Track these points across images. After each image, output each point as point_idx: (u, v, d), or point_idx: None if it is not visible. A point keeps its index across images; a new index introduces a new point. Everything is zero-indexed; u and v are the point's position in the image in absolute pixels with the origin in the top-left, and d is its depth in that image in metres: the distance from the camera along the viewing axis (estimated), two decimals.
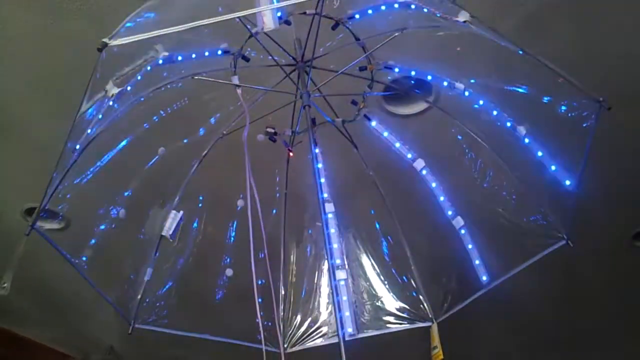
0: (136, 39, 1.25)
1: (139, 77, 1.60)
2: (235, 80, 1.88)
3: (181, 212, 2.05)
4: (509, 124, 1.93)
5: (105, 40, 1.27)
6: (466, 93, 1.97)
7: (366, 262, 2.41)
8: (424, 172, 2.19)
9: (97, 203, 2.03)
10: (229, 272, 2.24)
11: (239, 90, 1.87)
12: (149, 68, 1.63)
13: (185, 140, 2.16)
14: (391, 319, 2.36)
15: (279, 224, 2.36)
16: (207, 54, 1.85)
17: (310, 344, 2.34)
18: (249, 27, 1.78)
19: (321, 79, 2.01)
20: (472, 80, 1.98)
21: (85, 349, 4.58)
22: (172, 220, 2.04)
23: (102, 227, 2.02)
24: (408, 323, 2.36)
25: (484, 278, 2.13)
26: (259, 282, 1.73)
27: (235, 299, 2.18)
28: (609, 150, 2.75)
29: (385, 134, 2.21)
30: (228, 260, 2.28)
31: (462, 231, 2.16)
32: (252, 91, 2.00)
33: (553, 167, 1.86)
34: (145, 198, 2.07)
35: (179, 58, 1.77)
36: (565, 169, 1.83)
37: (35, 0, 2.18)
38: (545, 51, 1.62)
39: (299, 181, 2.27)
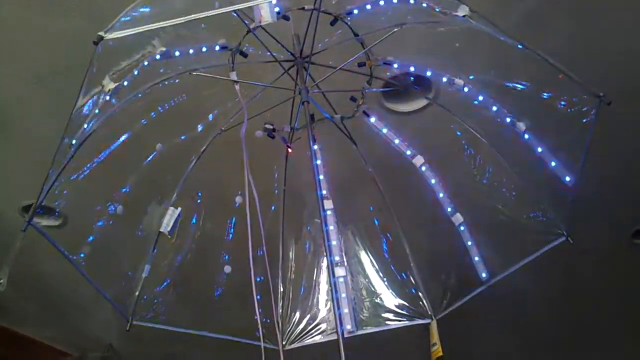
0: (132, 32, 1.24)
1: (136, 72, 1.59)
2: (234, 76, 1.87)
3: (179, 208, 2.04)
4: (508, 120, 1.92)
5: (101, 33, 1.26)
6: (465, 89, 1.97)
7: (365, 258, 2.41)
8: (423, 168, 2.18)
9: (95, 199, 2.03)
10: (228, 268, 2.23)
11: (237, 86, 1.86)
12: (146, 63, 1.62)
13: (183, 137, 2.15)
14: (390, 315, 2.35)
15: (278, 220, 2.36)
16: (204, 49, 1.84)
17: (309, 341, 2.33)
18: (246, 22, 1.76)
19: (320, 75, 2.00)
20: (472, 76, 1.97)
21: (84, 347, 4.57)
22: (170, 217, 2.03)
23: (100, 223, 2.02)
24: (407, 320, 2.35)
25: (484, 275, 2.12)
26: (258, 279, 1.73)
27: (233, 296, 2.18)
28: (608, 147, 2.74)
29: (385, 130, 2.20)
30: (226, 257, 2.27)
31: (462, 228, 2.16)
32: (251, 87, 1.99)
33: (553, 163, 1.86)
34: (143, 194, 2.06)
35: (177, 53, 1.76)
36: (565, 165, 1.82)
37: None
38: (546, 47, 1.62)
39: (298, 178, 2.26)
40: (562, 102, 1.79)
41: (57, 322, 4.28)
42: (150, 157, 2.06)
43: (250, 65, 1.93)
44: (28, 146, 2.81)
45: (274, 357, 2.17)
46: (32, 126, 2.71)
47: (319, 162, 1.93)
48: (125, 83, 1.57)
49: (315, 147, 1.87)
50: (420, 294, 2.38)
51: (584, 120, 1.67)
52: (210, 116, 2.12)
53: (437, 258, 2.45)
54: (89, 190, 1.84)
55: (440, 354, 2.23)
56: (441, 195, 2.18)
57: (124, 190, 2.06)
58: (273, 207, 2.34)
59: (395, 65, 2.07)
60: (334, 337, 1.41)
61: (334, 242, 2.08)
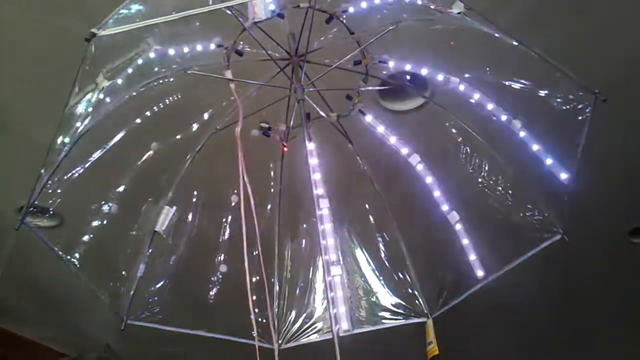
0: (125, 29, 1.23)
1: (130, 71, 1.59)
2: (229, 74, 1.87)
3: (174, 207, 2.03)
4: (504, 118, 1.92)
5: (94, 30, 1.25)
6: (461, 87, 1.96)
7: (361, 257, 2.41)
8: (419, 167, 2.18)
9: (90, 199, 2.02)
10: (223, 268, 2.23)
11: (232, 85, 1.85)
12: (140, 61, 1.62)
13: (178, 136, 2.14)
14: (386, 314, 2.35)
15: (274, 219, 2.35)
16: (199, 48, 1.83)
17: (305, 340, 2.33)
18: (241, 20, 1.76)
19: (315, 73, 1.99)
20: (467, 75, 1.97)
21: (82, 347, 4.56)
22: (165, 216, 2.02)
23: (95, 223, 2.01)
24: (403, 319, 2.35)
25: (480, 273, 2.12)
26: (254, 278, 1.72)
27: (229, 295, 2.17)
28: (605, 144, 2.74)
29: (381, 128, 2.19)
30: (222, 256, 2.27)
31: (458, 226, 2.15)
32: (246, 86, 1.99)
33: (549, 161, 1.85)
34: (138, 194, 2.06)
35: (171, 52, 1.75)
36: (561, 163, 1.82)
37: None
38: (542, 45, 1.62)
39: (294, 177, 2.26)
40: (558, 100, 1.79)
41: (54, 322, 4.27)
42: (146, 156, 2.06)
43: (246, 63, 1.93)
44: (27, 146, 2.80)
45: (272, 356, 2.17)
46: (31, 126, 2.70)
47: (314, 160, 1.93)
48: (120, 81, 1.56)
49: (311, 145, 1.86)
50: (416, 292, 2.37)
51: (580, 118, 1.67)
52: (206, 115, 2.12)
53: (433, 256, 2.45)
54: (84, 189, 1.83)
55: (436, 352, 2.23)
56: (437, 193, 2.18)
57: (119, 189, 2.05)
58: (269, 206, 2.33)
59: (391, 64, 2.07)
60: (330, 336, 1.41)
61: (330, 241, 2.07)
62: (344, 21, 1.88)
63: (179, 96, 2.05)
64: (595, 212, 3.20)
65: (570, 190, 1.82)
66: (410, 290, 2.38)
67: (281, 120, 2.07)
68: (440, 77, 2.01)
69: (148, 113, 1.98)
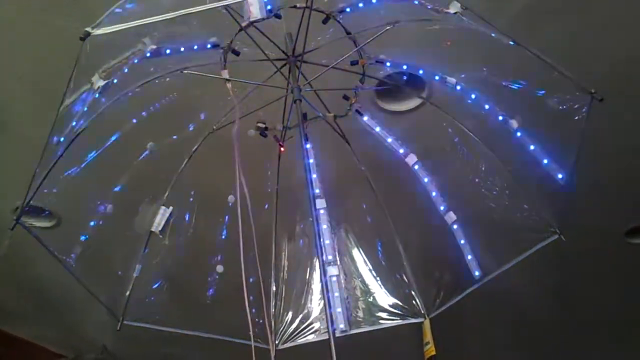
0: (120, 28, 1.23)
1: (126, 70, 1.58)
2: (225, 74, 1.86)
3: (171, 207, 2.03)
4: (501, 118, 1.92)
5: (88, 29, 1.25)
6: (458, 87, 1.96)
7: (358, 258, 2.40)
8: (416, 167, 2.18)
9: (86, 199, 2.02)
10: (220, 268, 2.22)
11: (229, 85, 1.85)
12: (136, 61, 1.61)
13: (174, 136, 2.14)
14: (384, 315, 2.35)
15: (271, 219, 2.35)
16: (196, 47, 1.83)
17: (301, 340, 2.33)
18: (238, 20, 1.76)
19: (312, 73, 1.99)
20: (464, 75, 1.97)
21: (79, 348, 4.55)
22: (161, 216, 2.02)
23: (91, 223, 2.00)
24: (400, 319, 2.35)
25: (477, 273, 2.12)
26: (250, 279, 1.72)
27: (226, 296, 2.17)
28: (602, 144, 2.74)
29: (378, 129, 2.20)
30: (219, 256, 2.26)
31: (455, 226, 2.16)
32: (243, 86, 1.98)
33: (545, 161, 1.85)
34: (134, 194, 2.05)
35: (167, 51, 1.75)
36: (557, 163, 1.82)
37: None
38: (539, 45, 1.61)
39: (291, 177, 2.25)
40: (555, 100, 1.79)
41: (51, 323, 4.26)
42: (142, 156, 2.05)
43: (242, 63, 1.92)
44: (25, 146, 2.79)
45: (269, 356, 2.17)
46: (28, 126, 2.69)
47: (311, 160, 1.93)
48: (115, 81, 1.56)
49: (308, 145, 1.86)
50: (413, 292, 2.37)
51: (577, 118, 1.67)
52: (202, 115, 2.11)
53: (430, 257, 2.45)
54: (80, 190, 1.83)
55: (433, 352, 2.23)
56: (434, 193, 2.18)
57: (115, 189, 2.05)
58: (266, 206, 2.33)
59: (388, 64, 2.07)
60: (327, 336, 1.41)
61: (326, 241, 2.07)
62: (341, 21, 1.88)
63: (175, 96, 2.05)
64: (592, 212, 3.20)
65: (567, 190, 1.82)
66: (407, 291, 2.38)
67: (278, 120, 2.06)
68: (437, 77, 2.01)
69: (144, 113, 1.98)
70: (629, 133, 2.88)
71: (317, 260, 2.31)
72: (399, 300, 2.37)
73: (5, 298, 3.88)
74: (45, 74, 2.46)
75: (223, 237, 2.25)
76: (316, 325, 2.32)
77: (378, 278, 2.39)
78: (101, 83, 1.48)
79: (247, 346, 1.80)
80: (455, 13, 1.50)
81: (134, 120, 1.96)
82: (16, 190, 2.98)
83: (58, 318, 4.17)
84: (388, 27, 1.89)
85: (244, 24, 1.76)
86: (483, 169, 2.14)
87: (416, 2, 1.69)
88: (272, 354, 2.18)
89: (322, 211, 2.02)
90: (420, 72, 2.08)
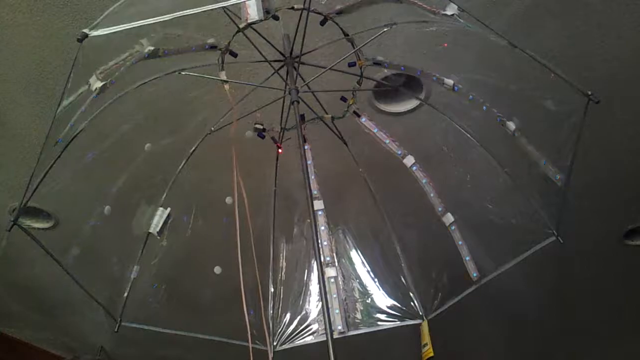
0: (117, 30, 1.23)
1: (123, 72, 1.58)
2: (223, 76, 1.87)
3: (169, 209, 2.02)
4: (498, 120, 1.92)
5: (86, 30, 1.25)
6: (455, 89, 1.97)
7: (356, 259, 2.40)
8: (414, 168, 2.18)
9: (84, 200, 2.01)
10: (218, 270, 2.22)
11: (226, 86, 1.85)
12: (133, 62, 1.61)
13: (172, 138, 2.14)
14: (382, 316, 2.34)
15: (268, 221, 2.35)
16: (193, 49, 1.83)
17: (300, 342, 2.32)
18: (236, 22, 1.76)
19: (310, 75, 1.99)
20: (461, 76, 1.97)
21: (76, 350, 4.54)
22: (159, 218, 2.01)
23: (89, 224, 2.00)
24: (399, 320, 2.35)
25: (474, 275, 2.12)
26: (248, 280, 1.72)
27: (224, 297, 2.17)
28: (600, 146, 2.76)
29: (375, 130, 2.19)
30: (217, 258, 2.26)
31: (452, 227, 2.16)
32: (240, 87, 1.99)
33: (543, 162, 1.86)
34: (132, 195, 2.05)
35: (165, 53, 1.75)
36: (555, 164, 1.82)
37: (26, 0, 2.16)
38: (540, 45, 1.62)
39: (289, 178, 2.26)
40: (552, 101, 1.80)
41: (48, 324, 4.25)
42: (140, 157, 2.05)
43: (240, 65, 1.93)
44: (19, 146, 2.80)
45: (267, 358, 2.17)
46: (25, 128, 2.70)
47: (309, 162, 1.93)
48: (113, 82, 1.56)
49: (306, 147, 1.87)
50: (411, 294, 2.37)
51: (574, 119, 1.67)
52: (200, 116, 2.11)
53: (428, 258, 2.45)
54: (78, 191, 1.83)
55: (431, 354, 2.23)
56: (432, 195, 2.18)
57: (112, 190, 2.04)
58: (263, 208, 2.33)
59: (386, 65, 2.07)
60: (325, 338, 1.40)
61: (324, 243, 2.07)
62: (339, 23, 1.88)
63: (173, 97, 2.05)
64: (590, 213, 3.21)
65: (564, 192, 1.82)
66: (405, 292, 2.38)
67: (276, 121, 2.07)
68: (434, 78, 2.01)
69: (142, 114, 1.98)
70: (627, 134, 2.88)
71: (315, 262, 2.31)
72: (397, 302, 2.36)
73: (2, 299, 3.87)
74: (42, 75, 2.46)
75: (221, 238, 2.25)
76: (314, 326, 2.32)
77: (376, 279, 2.39)
78: (99, 84, 1.48)
79: (245, 348, 1.80)
80: (452, 15, 1.51)
81: (132, 122, 1.96)
82: (13, 190, 3.00)
83: (55, 319, 4.16)
84: (386, 29, 1.89)
85: (241, 26, 1.76)
86: (481, 170, 2.14)
87: (414, 4, 1.69)
88: (270, 355, 2.18)
89: (320, 212, 2.02)
90: (418, 73, 2.08)
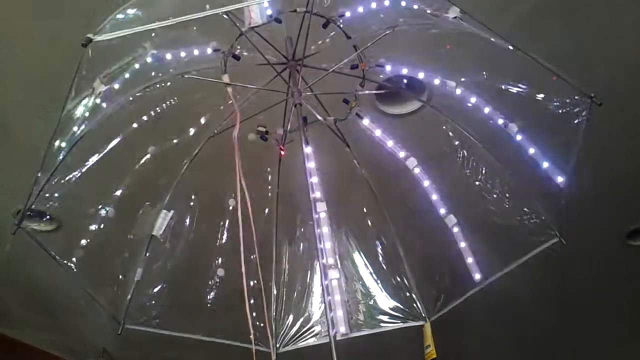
0: (121, 35, 1.23)
1: (127, 75, 1.59)
2: (226, 78, 1.87)
3: (172, 211, 2.03)
4: (501, 122, 1.92)
5: (90, 35, 1.25)
6: (458, 91, 1.97)
7: (359, 261, 2.41)
8: (416, 170, 2.18)
9: (87, 203, 2.02)
10: (221, 272, 2.22)
11: (229, 89, 1.86)
12: (137, 66, 1.62)
13: (175, 140, 2.14)
14: (384, 318, 2.35)
15: (271, 223, 2.35)
16: (196, 52, 1.83)
17: (302, 343, 2.33)
18: (238, 25, 1.76)
19: (312, 77, 2.00)
20: (464, 78, 1.98)
21: (79, 352, 4.55)
22: (162, 220, 2.02)
23: (92, 227, 2.01)
24: (401, 322, 2.35)
25: (477, 276, 2.12)
26: (251, 282, 1.72)
27: (227, 299, 2.17)
28: (602, 147, 2.75)
29: (378, 132, 2.20)
30: (220, 260, 2.26)
31: (455, 229, 2.15)
32: (243, 90, 1.99)
33: (545, 164, 1.86)
34: (135, 197, 2.06)
35: (168, 56, 1.76)
36: (557, 166, 1.83)
37: (27, 3, 2.17)
38: (541, 49, 1.62)
39: (291, 180, 2.26)
40: (555, 103, 1.80)
41: (51, 326, 4.26)
42: (143, 160, 2.06)
43: (243, 67, 1.93)
44: (21, 149, 2.80)
45: None
46: (29, 131, 2.70)
47: (312, 164, 1.93)
48: (116, 86, 1.57)
49: (308, 149, 1.87)
50: (414, 296, 2.38)
51: (576, 121, 1.67)
52: (203, 119, 2.12)
53: (430, 260, 2.45)
54: (81, 193, 1.83)
55: (434, 356, 2.23)
56: (434, 197, 2.18)
57: (116, 193, 2.05)
58: (266, 210, 2.33)
59: (388, 68, 2.07)
60: (328, 339, 1.41)
61: (327, 245, 2.07)
62: (341, 25, 1.88)
63: (176, 100, 2.05)
64: (592, 214, 3.21)
65: (567, 193, 1.82)
66: (407, 294, 2.38)
67: (278, 124, 2.07)
68: (436, 80, 2.02)
69: (145, 117, 1.99)
70: (629, 135, 2.88)
71: (318, 264, 2.31)
72: (399, 304, 2.37)
73: (4, 301, 3.88)
74: (45, 79, 2.47)
75: (224, 240, 2.25)
76: (317, 328, 2.33)
77: (379, 281, 2.40)
78: (103, 88, 1.48)
79: (248, 350, 1.80)
80: (454, 17, 1.51)
81: (135, 125, 1.97)
82: (13, 193, 3.01)
83: (58, 321, 4.17)
84: (388, 31, 1.89)
85: (244, 29, 1.76)
86: (483, 172, 2.14)
87: (416, 7, 1.69)
88: (273, 357, 2.18)
89: (322, 214, 2.02)
90: (421, 75, 2.08)
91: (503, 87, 1.93)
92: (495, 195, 2.13)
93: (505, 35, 1.58)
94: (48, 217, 2.95)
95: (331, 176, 2.13)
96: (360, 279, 2.40)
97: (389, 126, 2.26)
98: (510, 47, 1.54)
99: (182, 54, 1.81)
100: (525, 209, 2.10)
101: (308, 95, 2.00)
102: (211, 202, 2.23)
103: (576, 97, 1.60)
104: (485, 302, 2.56)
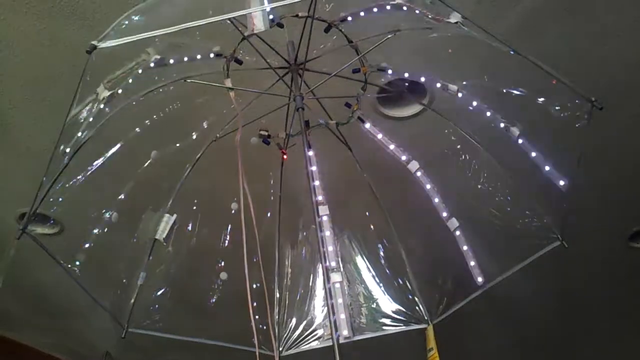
0: (125, 41, 1.24)
1: (130, 81, 1.60)
2: (228, 83, 1.88)
3: (175, 215, 2.03)
4: (502, 125, 1.93)
5: (94, 42, 1.26)
6: (459, 95, 1.97)
7: (361, 264, 2.41)
8: (418, 174, 2.19)
9: (90, 207, 2.03)
10: (224, 275, 2.23)
11: (232, 93, 1.86)
12: (140, 71, 1.63)
13: (178, 144, 2.15)
14: (387, 321, 2.35)
15: (274, 226, 2.36)
16: (199, 57, 1.84)
17: (305, 347, 2.33)
18: (241, 30, 1.77)
19: (314, 81, 2.01)
20: (465, 82, 1.98)
21: (82, 355, 4.56)
22: (165, 224, 2.02)
23: (95, 231, 2.02)
24: (404, 325, 2.35)
25: (479, 279, 2.12)
26: (254, 286, 1.73)
27: (230, 303, 2.18)
28: (604, 150, 2.75)
29: (380, 136, 2.20)
30: (222, 263, 2.27)
31: (457, 232, 2.16)
32: (245, 94, 2.00)
33: (547, 168, 1.86)
34: (138, 202, 2.06)
35: (171, 61, 1.77)
36: (559, 170, 1.83)
37: (28, 5, 2.18)
38: (542, 51, 1.63)
39: (294, 184, 2.26)
40: (556, 107, 1.80)
41: (54, 329, 4.27)
42: (146, 164, 2.06)
43: (245, 72, 1.94)
44: (22, 152, 2.81)
45: None
46: (30, 134, 2.71)
47: (314, 168, 1.94)
48: (120, 91, 1.58)
49: (310, 153, 1.88)
50: (416, 299, 2.38)
51: (578, 125, 1.68)
52: (205, 123, 2.13)
53: (433, 263, 2.45)
54: (84, 197, 1.84)
55: (437, 358, 2.24)
56: (436, 200, 2.18)
57: (119, 197, 2.06)
58: (269, 214, 2.34)
59: (390, 72, 2.08)
60: (331, 343, 1.41)
61: (329, 248, 2.08)
62: (343, 30, 1.89)
63: (179, 105, 2.06)
64: (594, 216, 3.21)
65: (568, 196, 1.82)
66: (410, 297, 2.38)
67: (281, 128, 2.08)
68: (438, 84, 2.02)
69: (148, 122, 2.00)
70: (630, 136, 2.88)
71: (320, 267, 2.32)
72: (402, 307, 2.37)
73: (6, 304, 3.89)
74: (48, 82, 2.48)
75: (226, 244, 2.26)
76: (320, 331, 2.33)
77: (381, 284, 2.40)
78: (106, 94, 1.49)
79: (251, 353, 1.81)
80: (456, 23, 1.52)
81: (138, 129, 1.98)
82: (15, 196, 3.02)
83: (61, 325, 4.18)
84: (390, 35, 1.90)
85: (246, 34, 1.77)
86: (485, 175, 2.14)
87: (417, 12, 1.70)
88: None
89: (325, 218, 2.03)
90: (422, 79, 2.09)
91: (504, 90, 1.93)
92: (497, 199, 2.13)
93: (503, 37, 1.59)
94: (52, 221, 2.97)
95: (333, 179, 2.14)
96: (363, 282, 2.40)
97: (391, 130, 2.27)
98: (512, 52, 1.55)
99: (185, 59, 1.82)
100: (527, 212, 2.10)
101: (310, 99, 2.01)
102: (214, 206, 2.24)
103: (577, 101, 1.60)
104: (488, 305, 2.57)
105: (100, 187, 1.86)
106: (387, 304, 2.37)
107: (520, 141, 1.89)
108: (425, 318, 2.36)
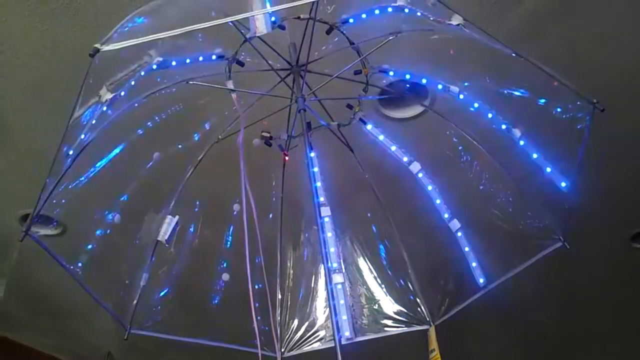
0: (128, 44, 1.25)
1: (132, 83, 1.60)
2: (230, 85, 1.88)
3: (177, 217, 2.04)
4: (504, 127, 1.93)
5: (97, 45, 1.27)
6: (461, 96, 1.98)
7: (363, 265, 2.41)
8: (420, 175, 2.19)
9: (93, 208, 2.03)
10: (226, 276, 2.24)
11: (233, 95, 1.87)
12: (142, 73, 1.63)
13: (179, 146, 2.16)
14: (389, 322, 2.35)
15: (276, 228, 2.36)
16: (201, 59, 1.85)
17: (307, 348, 2.33)
18: (242, 31, 1.78)
19: (316, 83, 2.01)
20: (467, 83, 1.98)
21: (83, 356, 4.56)
22: (167, 225, 2.03)
23: (98, 232, 2.02)
24: (406, 326, 2.36)
25: (481, 280, 2.13)
26: (256, 287, 1.73)
27: (232, 304, 2.18)
28: (605, 151, 2.75)
29: (381, 137, 2.21)
30: (224, 264, 2.28)
31: (459, 234, 2.16)
32: (247, 96, 2.00)
33: (548, 169, 1.86)
34: (140, 203, 2.07)
35: (173, 63, 1.77)
36: (560, 171, 1.83)
37: (29, 7, 2.19)
38: (544, 51, 1.63)
39: (295, 185, 2.27)
40: (558, 109, 1.80)
41: (55, 330, 4.27)
42: (148, 166, 2.07)
43: (247, 73, 1.95)
44: (24, 154, 2.82)
45: None
46: (31, 136, 2.72)
47: (315, 169, 1.94)
48: (122, 93, 1.58)
49: (312, 154, 1.88)
50: (418, 300, 2.38)
51: (579, 126, 1.68)
52: (207, 125, 2.13)
53: (434, 264, 2.46)
54: (86, 199, 1.84)
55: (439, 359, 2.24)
56: (438, 201, 2.19)
57: (121, 199, 2.06)
58: (271, 215, 2.34)
59: (391, 73, 2.08)
60: (333, 344, 1.42)
61: (331, 249, 2.08)
62: (344, 32, 1.89)
63: (181, 106, 2.07)
64: (597, 217, 3.20)
65: (570, 197, 1.82)
66: (412, 298, 2.39)
67: (282, 129, 2.08)
68: (439, 85, 2.03)
69: (150, 123, 2.00)
70: (632, 137, 2.88)
71: (322, 268, 2.32)
72: (404, 308, 2.37)
73: (7, 305, 3.89)
74: (50, 84, 2.48)
75: (229, 245, 2.27)
76: (322, 333, 2.33)
77: (383, 285, 2.40)
78: (109, 96, 1.50)
79: (253, 354, 1.81)
80: (457, 25, 1.52)
81: (140, 131, 1.98)
82: (16, 198, 3.02)
83: (62, 325, 4.18)
84: (391, 37, 1.90)
85: (248, 35, 1.78)
86: (487, 176, 2.15)
87: (419, 14, 1.70)
88: None
89: (326, 219, 2.03)
90: (424, 80, 2.09)
91: (506, 91, 1.93)
92: (498, 200, 2.14)
93: (504, 39, 1.59)
94: (55, 223, 2.97)
95: (335, 181, 2.14)
96: (365, 283, 2.40)
97: (393, 131, 2.27)
98: (513, 54, 1.55)
99: (187, 61, 1.83)
100: (528, 213, 2.10)
101: (312, 100, 2.02)
102: (216, 207, 2.24)
103: (578, 103, 1.60)
104: (490, 306, 2.56)
105: (102, 189, 1.86)
106: (389, 305, 2.38)
107: (521, 142, 1.90)
108: (427, 319, 2.37)
